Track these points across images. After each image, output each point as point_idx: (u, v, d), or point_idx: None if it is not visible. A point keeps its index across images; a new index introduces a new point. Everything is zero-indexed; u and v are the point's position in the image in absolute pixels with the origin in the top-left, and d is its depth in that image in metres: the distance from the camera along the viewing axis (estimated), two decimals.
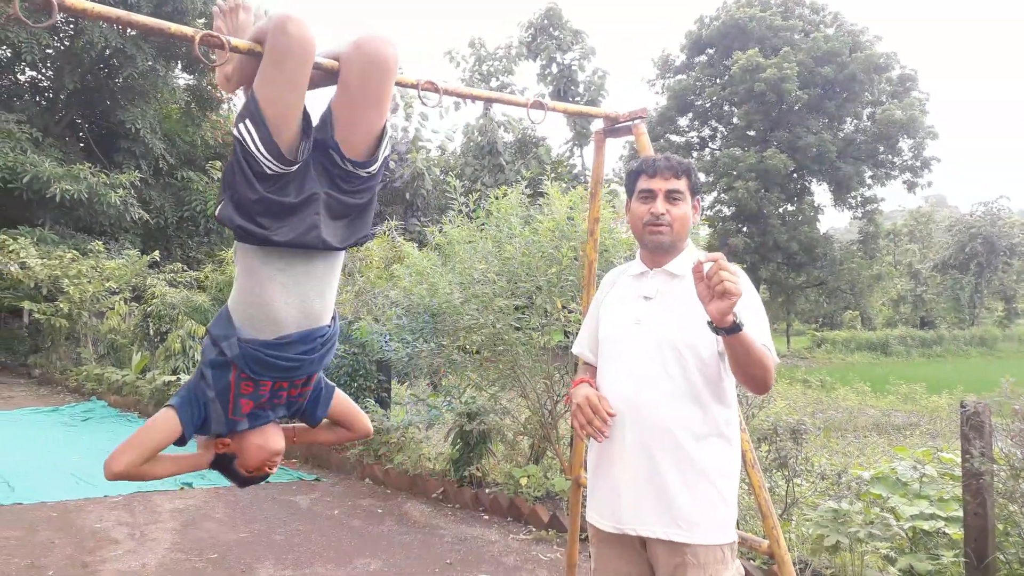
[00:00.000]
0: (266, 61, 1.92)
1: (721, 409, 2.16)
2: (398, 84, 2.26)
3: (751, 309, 2.11)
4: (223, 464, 2.26)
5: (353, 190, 2.08)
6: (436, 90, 2.48)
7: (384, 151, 2.11)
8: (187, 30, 1.99)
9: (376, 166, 2.09)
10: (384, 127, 2.08)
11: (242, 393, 2.12)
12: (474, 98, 2.78)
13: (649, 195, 2.23)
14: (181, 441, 2.12)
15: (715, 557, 2.11)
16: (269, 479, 2.42)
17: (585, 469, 3.11)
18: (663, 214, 2.20)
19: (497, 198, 6.18)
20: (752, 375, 2.02)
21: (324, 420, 2.43)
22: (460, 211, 6.75)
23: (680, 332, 2.14)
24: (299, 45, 1.89)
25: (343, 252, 2.20)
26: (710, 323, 1.94)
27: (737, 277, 1.89)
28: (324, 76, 2.09)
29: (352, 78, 2.00)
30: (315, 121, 2.05)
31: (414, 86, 2.44)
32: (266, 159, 1.90)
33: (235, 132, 1.93)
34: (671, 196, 2.21)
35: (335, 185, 2.05)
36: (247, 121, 1.90)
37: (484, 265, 5.65)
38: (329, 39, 2.18)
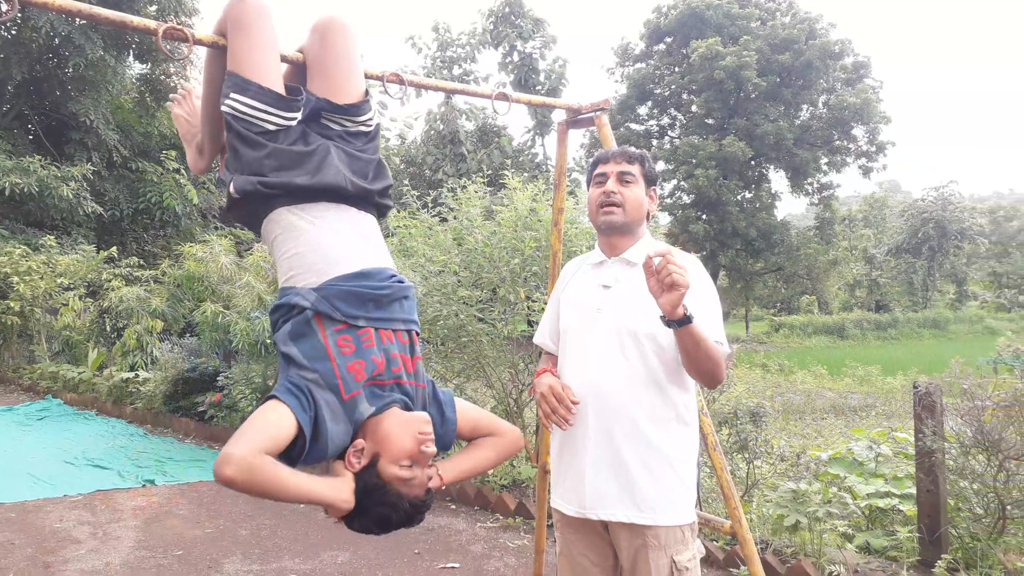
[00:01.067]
0: (231, 35, 1.96)
1: (680, 393, 2.22)
2: (366, 76, 2.27)
3: (704, 302, 2.16)
4: (366, 488, 1.71)
5: (360, 147, 2.05)
6: (401, 81, 2.48)
7: (374, 111, 2.12)
8: (150, 23, 1.97)
9: (371, 116, 2.08)
10: (365, 90, 2.10)
11: (344, 353, 1.74)
12: (439, 89, 2.78)
13: (602, 178, 2.31)
14: (300, 445, 1.65)
15: (675, 537, 2.18)
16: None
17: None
18: (613, 192, 2.25)
19: (455, 191, 6.19)
20: (701, 369, 2.08)
21: (460, 440, 2.03)
22: (418, 206, 6.75)
23: (638, 320, 2.18)
24: (254, 3, 1.95)
25: (375, 217, 2.08)
26: (662, 317, 1.98)
27: (685, 270, 1.92)
28: (296, 70, 2.13)
29: (315, 49, 2.06)
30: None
31: (379, 78, 2.44)
32: (264, 111, 1.89)
33: (224, 109, 1.92)
34: (622, 178, 2.28)
35: (340, 144, 2.02)
36: (232, 93, 1.90)
37: (445, 257, 5.66)
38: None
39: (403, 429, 1.74)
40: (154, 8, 18.55)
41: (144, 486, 6.32)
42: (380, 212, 2.10)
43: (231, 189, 1.92)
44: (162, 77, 20.60)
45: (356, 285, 1.80)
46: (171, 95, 2.43)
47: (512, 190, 5.70)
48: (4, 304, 13.22)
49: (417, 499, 1.75)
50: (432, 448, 1.76)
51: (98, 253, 14.20)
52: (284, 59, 2.07)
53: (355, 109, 2.03)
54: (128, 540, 4.96)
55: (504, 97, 2.74)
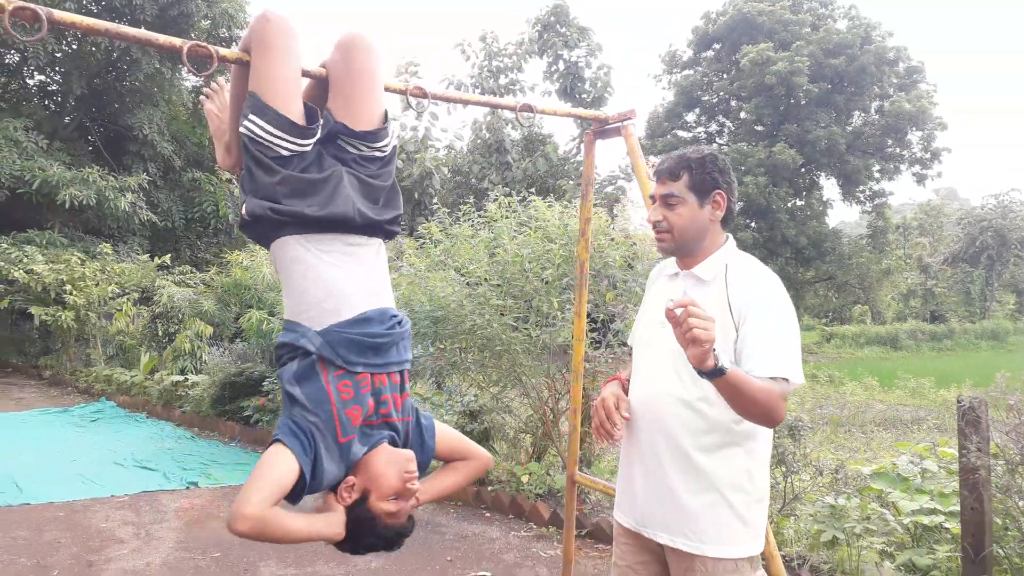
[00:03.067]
0: (255, 55, 1.99)
1: (735, 419, 2.04)
2: (389, 90, 2.30)
3: (768, 331, 2.01)
4: (357, 520, 1.91)
5: (373, 173, 2.08)
6: (425, 95, 2.51)
7: (393, 135, 2.14)
8: (175, 41, 2.03)
9: (387, 141, 2.10)
10: (385, 113, 2.12)
11: (343, 399, 1.89)
12: (462, 102, 2.81)
13: (653, 201, 2.21)
14: (300, 485, 1.82)
15: (725, 568, 2.07)
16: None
17: (584, 468, 3.15)
18: (659, 221, 2.16)
19: (496, 200, 6.24)
20: (747, 414, 1.94)
21: (437, 462, 2.20)
22: (460, 217, 6.81)
23: None
24: (279, 23, 1.98)
25: (384, 244, 2.14)
26: (696, 369, 1.84)
27: (710, 323, 1.76)
28: (317, 86, 2.17)
29: (338, 68, 2.08)
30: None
31: (403, 92, 2.47)
32: (279, 137, 1.93)
33: (242, 130, 1.96)
34: (666, 201, 2.15)
35: (356, 165, 2.06)
36: (251, 115, 1.94)
37: (478, 267, 5.71)
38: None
39: (390, 469, 1.91)
40: (207, 23, 19.05)
41: (188, 488, 6.46)
42: (388, 237, 2.15)
43: (244, 211, 1.99)
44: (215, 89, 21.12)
45: (359, 333, 1.91)
46: (204, 90, 2.47)
47: (536, 209, 5.73)
48: (60, 310, 13.67)
49: (400, 527, 1.95)
50: (416, 485, 1.94)
51: (152, 260, 14.60)
52: (307, 74, 2.11)
53: (371, 136, 2.05)
54: (169, 541, 5.08)
55: (529, 109, 2.75)
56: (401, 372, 2.04)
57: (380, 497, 1.90)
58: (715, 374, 1.81)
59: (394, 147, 2.14)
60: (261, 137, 1.91)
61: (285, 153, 1.94)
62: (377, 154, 2.08)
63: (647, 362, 2.24)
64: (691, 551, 2.07)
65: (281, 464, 1.79)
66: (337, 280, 1.94)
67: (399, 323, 2.03)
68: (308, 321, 1.92)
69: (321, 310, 1.91)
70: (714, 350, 1.78)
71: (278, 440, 1.83)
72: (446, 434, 2.18)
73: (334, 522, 1.89)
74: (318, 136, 2.01)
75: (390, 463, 1.92)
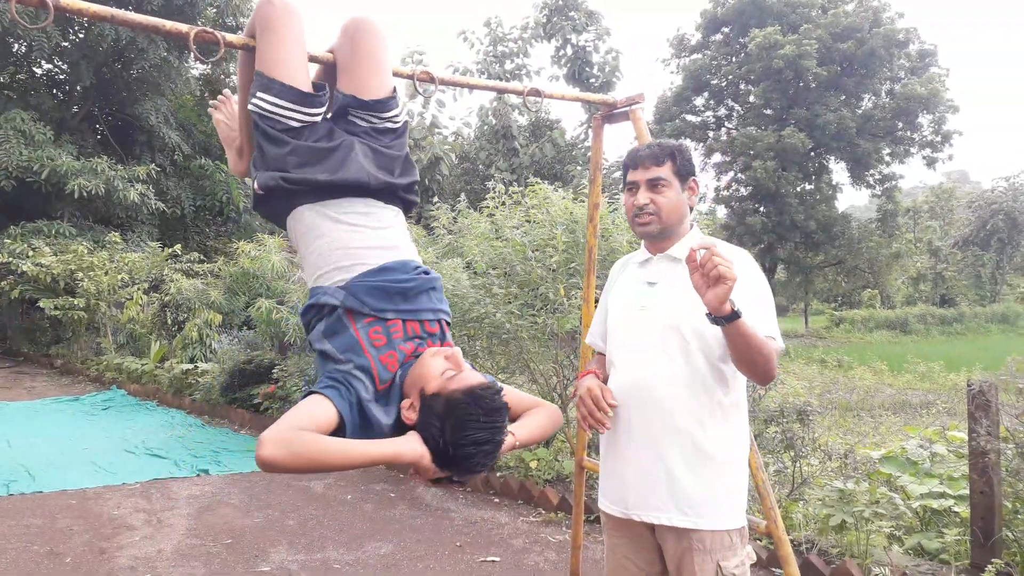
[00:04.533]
0: (260, 38, 2.00)
1: (726, 392, 2.16)
2: (396, 75, 2.29)
3: (754, 296, 2.10)
4: (438, 416, 1.68)
5: (386, 144, 2.07)
6: (432, 80, 2.50)
7: (403, 106, 2.14)
8: (182, 27, 2.02)
9: (398, 112, 2.09)
10: (393, 88, 2.12)
11: (376, 345, 1.79)
12: (471, 87, 2.79)
13: (633, 187, 2.24)
14: (340, 431, 1.68)
15: (722, 543, 2.12)
16: None
17: (593, 454, 3.15)
18: (646, 204, 2.20)
19: (505, 187, 6.23)
20: (752, 366, 2.01)
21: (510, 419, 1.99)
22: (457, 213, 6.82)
23: (683, 316, 2.14)
24: (282, 5, 1.99)
25: (402, 212, 2.12)
26: (708, 315, 1.93)
27: (731, 263, 1.85)
28: (326, 70, 2.18)
29: (345, 51, 2.09)
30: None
31: (410, 77, 2.46)
32: (288, 108, 1.93)
33: (250, 107, 1.97)
34: (653, 185, 2.20)
35: (368, 135, 2.05)
36: (258, 92, 1.95)
37: (483, 255, 5.71)
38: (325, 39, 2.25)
39: (423, 362, 1.77)
40: (214, 11, 19.01)
41: (199, 475, 6.51)
42: (406, 207, 2.12)
43: (255, 185, 1.98)
44: (222, 76, 21.12)
45: (381, 280, 1.84)
46: (211, 101, 2.47)
47: (542, 195, 5.71)
48: (70, 300, 13.74)
49: (481, 384, 1.71)
50: (455, 349, 1.79)
51: (162, 249, 14.66)
52: (314, 59, 2.10)
53: (380, 105, 2.04)
54: (180, 528, 5.12)
55: (536, 93, 2.73)
56: (439, 321, 1.94)
57: (433, 379, 1.73)
58: (732, 317, 1.88)
59: (406, 121, 2.14)
60: (269, 111, 1.92)
61: (295, 124, 1.93)
62: (389, 125, 2.07)
63: (629, 347, 2.26)
64: (688, 526, 2.11)
65: (312, 405, 1.67)
66: (354, 241, 1.90)
67: (426, 272, 1.96)
68: (328, 281, 1.87)
69: (339, 269, 1.86)
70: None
71: (311, 392, 1.72)
72: (508, 391, 1.98)
73: (404, 441, 1.68)
74: (326, 106, 2.02)
75: (422, 360, 1.78)
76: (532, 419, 1.99)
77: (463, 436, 1.66)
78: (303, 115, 1.95)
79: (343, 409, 1.66)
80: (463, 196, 6.96)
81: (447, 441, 1.66)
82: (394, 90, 2.12)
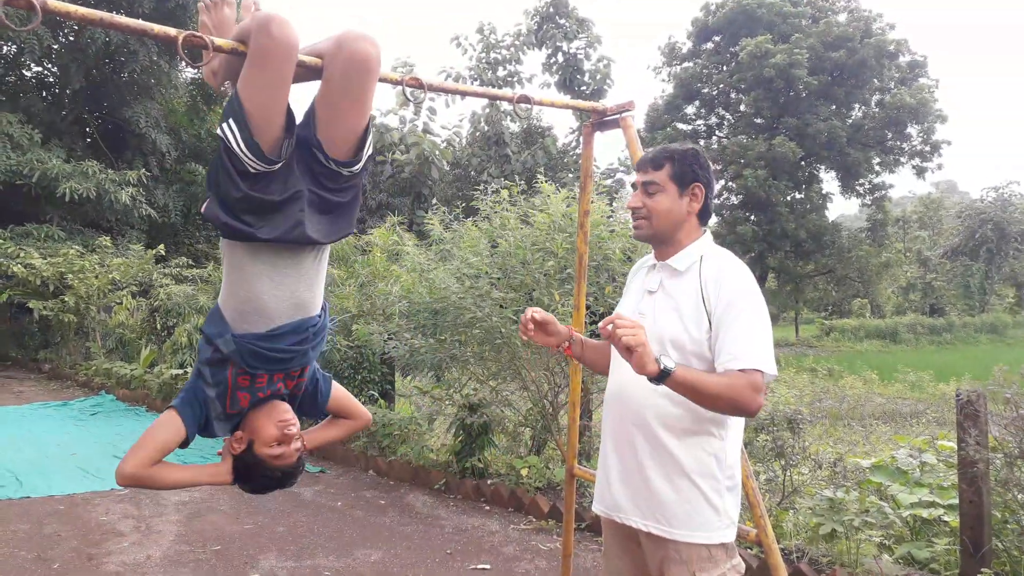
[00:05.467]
0: (249, 61, 1.94)
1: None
2: (383, 80, 2.28)
3: (740, 325, 2.04)
4: (247, 465, 2.21)
5: (337, 188, 2.11)
6: (421, 86, 2.50)
7: (367, 150, 2.13)
8: (170, 31, 2.00)
9: (359, 166, 2.11)
10: (367, 126, 2.10)
11: (239, 386, 2.15)
12: (461, 93, 2.79)
13: (634, 189, 2.28)
14: (184, 443, 2.14)
15: (700, 555, 2.11)
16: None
17: (584, 462, 3.14)
18: (637, 208, 2.22)
19: (496, 193, 6.22)
20: (716, 408, 2.02)
21: (327, 417, 2.48)
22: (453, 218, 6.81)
23: (668, 327, 2.15)
24: (282, 46, 1.90)
25: (329, 245, 2.23)
26: (648, 378, 1.95)
27: (637, 329, 1.91)
28: (307, 72, 2.12)
29: (334, 76, 2.02)
30: (299, 118, 2.08)
31: (399, 83, 2.45)
32: (249, 158, 1.92)
33: (219, 131, 1.95)
34: (647, 189, 2.21)
35: (319, 183, 2.07)
36: (230, 120, 1.92)
37: (478, 259, 5.69)
38: (318, 31, 2.21)
39: (269, 420, 2.18)
40: None
41: None
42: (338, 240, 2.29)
43: (203, 209, 2.07)
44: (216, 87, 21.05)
45: (267, 348, 2.11)
46: (202, 1, 2.40)
47: (547, 196, 5.70)
48: (60, 302, 13.65)
49: (289, 466, 2.23)
50: (293, 430, 2.20)
51: (146, 252, 14.57)
52: (301, 64, 2.05)
53: (343, 164, 2.07)
54: (169, 534, 5.08)
55: (526, 100, 2.73)
56: (302, 368, 2.27)
57: (263, 444, 2.17)
58: (661, 377, 1.93)
59: (362, 167, 2.13)
60: (233, 148, 1.92)
61: (251, 170, 1.94)
62: (345, 172, 2.09)
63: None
64: (663, 535, 2.12)
65: (169, 430, 2.10)
66: (265, 298, 2.09)
67: (315, 333, 2.20)
68: (231, 320, 2.12)
69: (244, 318, 2.10)
70: (657, 358, 1.91)
71: (172, 407, 2.13)
72: (338, 395, 2.44)
73: (219, 471, 2.22)
74: (284, 160, 2.01)
75: (269, 415, 2.19)
76: (328, 429, 2.49)
77: (262, 484, 2.28)
78: (260, 167, 1.95)
79: (190, 430, 2.12)
80: (458, 202, 6.94)
81: (251, 479, 2.25)
82: (364, 137, 2.09)
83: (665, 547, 2.13)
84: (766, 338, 2.07)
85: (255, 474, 2.22)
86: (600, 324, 1.96)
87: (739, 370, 1.98)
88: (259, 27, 1.90)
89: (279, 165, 1.99)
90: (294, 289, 2.13)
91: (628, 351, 1.88)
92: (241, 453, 2.20)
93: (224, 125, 1.93)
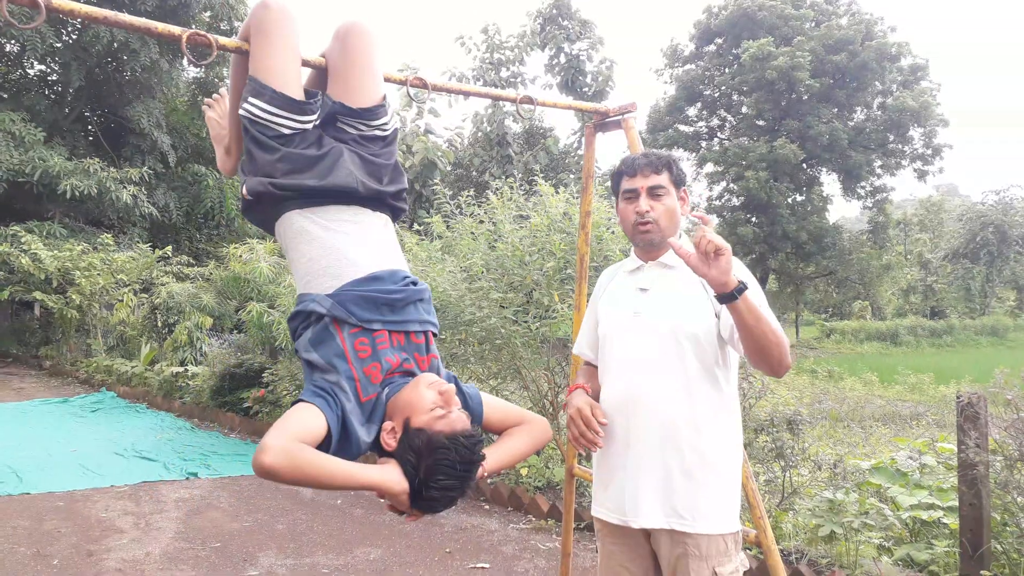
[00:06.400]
0: (254, 42, 2.00)
1: (721, 396, 2.17)
2: (388, 80, 2.29)
3: (752, 287, 2.08)
4: (416, 452, 1.70)
5: (375, 152, 2.06)
6: (425, 86, 2.50)
7: (393, 114, 2.13)
8: (175, 30, 2.01)
9: (387, 120, 2.08)
10: (384, 94, 2.12)
11: (360, 356, 1.79)
12: (464, 93, 2.80)
13: (632, 195, 2.25)
14: (327, 443, 1.69)
15: (717, 548, 2.12)
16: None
17: (584, 462, 3.15)
18: (647, 211, 2.20)
19: (498, 193, 6.23)
20: (766, 347, 1.97)
21: (489, 433, 2.02)
22: (456, 209, 6.80)
23: (677, 320, 2.16)
24: (278, 11, 1.98)
25: (391, 220, 2.11)
26: (716, 296, 1.95)
27: (719, 237, 1.90)
28: (318, 74, 2.17)
29: (337, 55, 2.08)
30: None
31: (403, 83, 2.46)
32: (279, 115, 1.92)
33: (241, 112, 1.96)
34: (653, 192, 2.21)
35: (357, 143, 2.05)
36: (250, 97, 1.95)
37: (478, 258, 5.70)
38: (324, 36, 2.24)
39: (415, 390, 1.77)
40: (208, 15, 18.98)
41: (188, 479, 6.47)
42: (394, 214, 2.12)
43: (243, 191, 1.98)
44: (215, 80, 21.07)
45: (370, 290, 1.84)
46: (205, 100, 2.49)
47: (543, 196, 5.71)
48: (64, 298, 13.67)
49: (465, 431, 1.73)
50: (449, 386, 1.78)
51: (152, 251, 14.60)
52: (307, 63, 2.10)
53: (369, 113, 2.04)
54: (169, 531, 5.09)
55: (529, 100, 2.74)
56: (425, 333, 1.94)
57: (421, 412, 1.72)
58: (741, 289, 1.90)
59: (395, 129, 2.12)
60: (260, 117, 1.91)
61: (285, 131, 1.93)
62: (378, 133, 2.06)
63: (624, 355, 2.26)
64: (685, 529, 2.11)
65: (305, 413, 1.69)
66: (343, 247, 1.90)
67: (414, 283, 1.95)
68: (317, 288, 1.87)
69: (328, 275, 1.86)
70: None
71: (300, 400, 1.74)
72: (494, 402, 2.02)
73: (387, 471, 1.71)
74: (317, 113, 2.01)
75: (415, 387, 1.78)
76: (509, 443, 1.97)
77: (435, 479, 1.69)
78: (294, 122, 1.94)
79: (331, 421, 1.68)
80: (462, 196, 6.93)
81: (419, 479, 1.69)
82: (384, 97, 2.11)
83: (684, 543, 2.12)
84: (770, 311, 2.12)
85: (429, 455, 1.69)
86: (672, 240, 2.02)
87: None
88: (256, 8, 2.00)
89: (311, 121, 1.98)
90: (365, 241, 1.94)
91: (719, 253, 1.87)
92: (402, 444, 1.74)
93: (245, 104, 1.95)
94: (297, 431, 1.61)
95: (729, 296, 1.91)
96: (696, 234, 1.90)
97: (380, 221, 2.04)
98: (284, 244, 2.01)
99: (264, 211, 2.00)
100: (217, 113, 2.47)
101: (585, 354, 2.49)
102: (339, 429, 1.71)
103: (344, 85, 2.05)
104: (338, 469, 1.63)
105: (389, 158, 2.08)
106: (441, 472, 1.68)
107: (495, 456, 1.90)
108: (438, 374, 1.92)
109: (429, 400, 1.73)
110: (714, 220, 2.31)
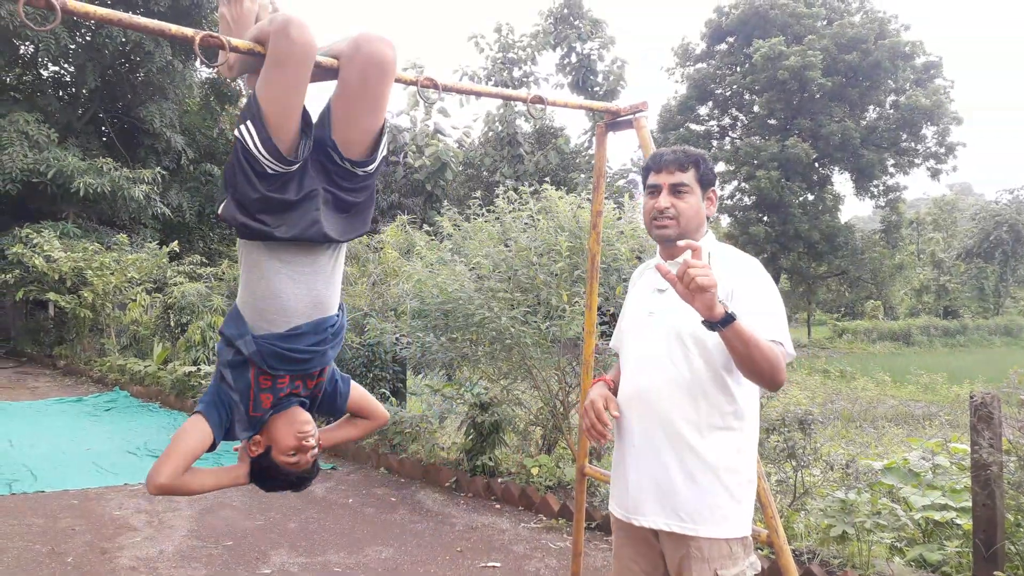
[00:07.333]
0: (268, 63, 1.95)
1: (729, 400, 2.16)
2: (398, 81, 2.30)
3: (760, 302, 2.11)
4: (263, 468, 2.22)
5: (352, 188, 2.12)
6: (435, 87, 2.51)
7: (382, 151, 2.14)
8: (187, 31, 2.02)
9: (374, 166, 2.12)
10: (382, 127, 2.12)
11: (261, 388, 2.16)
12: (474, 94, 2.81)
13: (655, 190, 2.25)
14: (212, 447, 2.14)
15: (720, 551, 2.12)
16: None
17: (595, 461, 3.15)
18: (667, 208, 2.21)
19: (511, 192, 6.25)
20: (757, 370, 2.00)
21: (346, 415, 2.48)
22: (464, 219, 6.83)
23: (687, 322, 2.15)
24: (300, 49, 1.91)
25: (345, 244, 2.25)
26: (704, 322, 1.94)
27: (708, 269, 1.88)
28: (323, 72, 2.14)
29: (351, 78, 2.03)
30: (314, 118, 2.10)
31: (413, 83, 2.47)
32: (266, 159, 1.94)
33: (236, 133, 1.97)
34: (676, 189, 2.21)
35: (334, 182, 2.09)
36: (248, 122, 1.93)
37: (487, 260, 5.71)
38: (335, 30, 2.22)
39: (287, 428, 2.19)
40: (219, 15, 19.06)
41: None
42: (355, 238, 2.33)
43: (220, 210, 2.08)
44: (228, 81, 21.15)
45: (288, 347, 2.13)
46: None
47: (548, 199, 5.73)
48: (78, 298, 13.76)
49: (302, 472, 2.26)
50: (311, 441, 2.22)
51: (161, 248, 14.67)
52: (318, 64, 2.07)
53: (358, 164, 2.08)
54: (182, 529, 5.12)
55: (540, 100, 2.74)
56: (321, 368, 2.27)
57: (280, 452, 2.19)
58: (727, 320, 1.90)
59: (377, 166, 2.15)
60: (251, 150, 1.94)
61: (269, 172, 1.96)
62: (359, 172, 2.10)
63: (638, 354, 2.28)
64: (686, 532, 2.12)
65: (196, 436, 2.09)
66: (285, 295, 2.10)
67: (333, 333, 2.22)
68: (250, 320, 2.13)
69: (263, 319, 2.12)
70: (720, 300, 1.91)
71: (199, 412, 2.12)
72: (356, 394, 2.46)
73: (238, 474, 2.23)
74: (302, 161, 2.03)
75: (288, 423, 2.20)
76: (345, 428, 2.51)
77: (276, 485, 2.30)
78: (278, 168, 1.97)
79: (217, 434, 2.12)
80: (474, 197, 6.95)
81: (266, 481, 2.26)
82: (379, 137, 2.11)
83: (687, 545, 2.13)
84: (784, 318, 2.14)
85: (269, 476, 2.25)
86: (657, 264, 2.02)
87: (771, 340, 2.02)
88: (278, 30, 1.91)
89: (296, 166, 2.01)
90: (312, 286, 2.14)
91: (701, 290, 1.87)
92: (258, 457, 2.23)
93: (242, 127, 1.94)
94: (184, 463, 2.05)
95: (713, 325, 1.93)
96: (681, 266, 1.89)
97: (331, 254, 2.18)
98: (241, 259, 2.17)
99: (234, 228, 2.12)
100: (232, 14, 2.34)
101: (616, 348, 2.53)
102: (222, 436, 2.14)
103: (346, 114, 2.04)
104: (208, 482, 2.17)
105: (363, 195, 2.15)
106: (275, 485, 2.29)
107: (330, 435, 2.48)
108: (327, 379, 2.32)
109: (289, 446, 2.19)
110: (707, 241, 2.27)
